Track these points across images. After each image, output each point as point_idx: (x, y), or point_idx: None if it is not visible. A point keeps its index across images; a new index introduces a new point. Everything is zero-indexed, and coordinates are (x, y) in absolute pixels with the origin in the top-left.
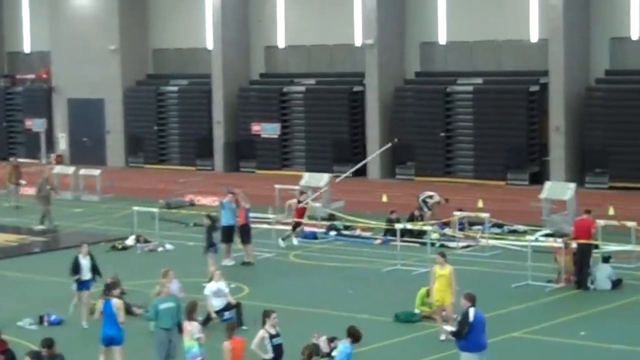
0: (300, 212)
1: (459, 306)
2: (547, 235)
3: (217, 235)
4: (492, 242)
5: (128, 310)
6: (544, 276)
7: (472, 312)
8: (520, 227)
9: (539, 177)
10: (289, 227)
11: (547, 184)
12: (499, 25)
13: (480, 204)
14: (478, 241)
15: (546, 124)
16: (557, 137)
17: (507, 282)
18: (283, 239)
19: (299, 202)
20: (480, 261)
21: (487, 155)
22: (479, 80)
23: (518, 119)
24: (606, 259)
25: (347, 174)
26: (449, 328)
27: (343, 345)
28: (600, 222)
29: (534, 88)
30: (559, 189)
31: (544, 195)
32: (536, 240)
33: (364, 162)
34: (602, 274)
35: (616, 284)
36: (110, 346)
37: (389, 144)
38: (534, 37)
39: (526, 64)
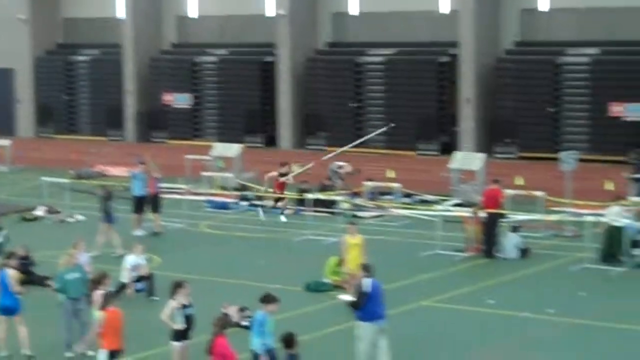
0: (281, 186)
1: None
2: (456, 204)
3: (110, 205)
4: (402, 211)
5: (42, 283)
6: (454, 245)
7: (367, 282)
8: (430, 197)
9: (449, 148)
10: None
11: (457, 154)
12: None
13: (390, 174)
14: (388, 211)
15: (456, 95)
16: (467, 108)
17: (417, 252)
18: (281, 213)
19: (281, 175)
20: (390, 231)
21: (398, 125)
22: (390, 51)
23: (428, 90)
24: (514, 228)
25: (344, 149)
26: (346, 298)
27: (257, 313)
28: (509, 192)
29: (444, 59)
30: (468, 159)
31: (453, 165)
32: (445, 210)
33: (360, 140)
34: (510, 243)
35: (524, 252)
36: (9, 316)
37: (385, 128)
38: (444, 8)
39: (437, 35)
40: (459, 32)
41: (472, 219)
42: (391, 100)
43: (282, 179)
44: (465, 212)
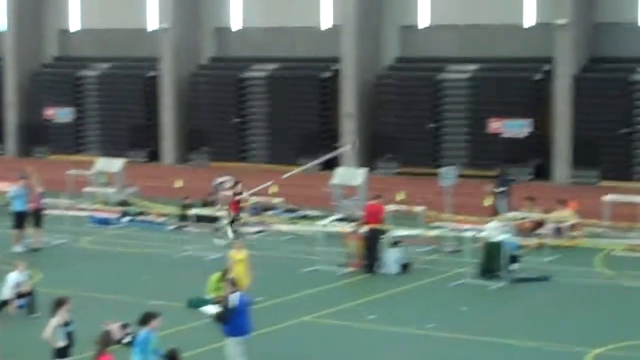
0: (236, 206)
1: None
2: (338, 220)
3: None
4: (284, 227)
5: None
6: (335, 260)
7: (235, 296)
8: (313, 212)
9: (331, 163)
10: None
11: (338, 170)
12: (293, 11)
13: (273, 189)
14: (271, 226)
15: (338, 110)
16: (349, 123)
17: (299, 267)
18: (232, 231)
19: (235, 194)
20: (272, 246)
21: (280, 140)
22: (273, 67)
23: (311, 105)
24: (394, 244)
25: (306, 167)
26: (212, 311)
27: (140, 331)
28: (390, 207)
29: (326, 75)
30: (349, 174)
31: (335, 180)
32: (327, 225)
33: (326, 157)
34: (390, 258)
35: (405, 268)
36: None
37: (349, 145)
38: (326, 24)
39: (319, 51)
40: (340, 48)
41: (354, 234)
42: (274, 116)
43: (237, 198)
44: (347, 228)
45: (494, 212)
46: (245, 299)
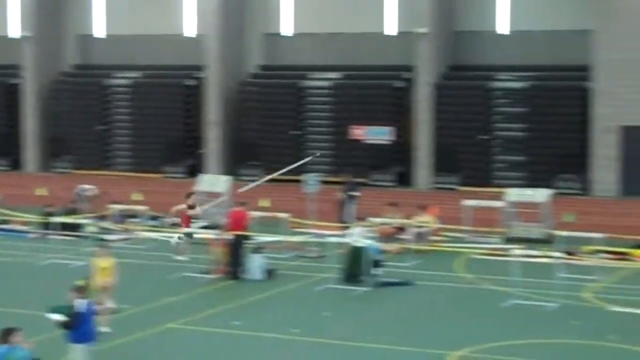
0: (188, 220)
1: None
2: (202, 227)
3: None
4: (148, 234)
5: None
6: (200, 267)
7: (81, 303)
8: (177, 220)
9: (195, 170)
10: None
11: (203, 177)
12: (158, 19)
13: (137, 196)
14: (135, 234)
15: (202, 118)
16: (213, 131)
17: (164, 274)
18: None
19: (189, 207)
20: (137, 253)
21: (145, 148)
22: (137, 74)
23: (175, 113)
24: (257, 250)
25: (261, 181)
26: (58, 318)
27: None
28: (255, 214)
29: (190, 82)
30: (214, 181)
31: (199, 187)
32: (192, 232)
33: (287, 169)
34: (255, 264)
35: (269, 274)
36: None
37: (310, 157)
38: (190, 32)
39: (183, 58)
40: (204, 56)
41: (218, 241)
42: (138, 123)
43: (190, 212)
44: (211, 234)
45: (340, 217)
46: (92, 307)
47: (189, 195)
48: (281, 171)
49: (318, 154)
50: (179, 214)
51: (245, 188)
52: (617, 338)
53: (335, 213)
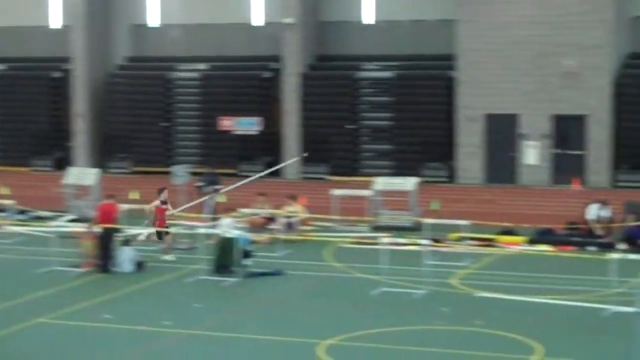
0: (162, 214)
1: None
2: (72, 220)
3: None
4: (16, 228)
5: None
6: (70, 261)
7: None
8: (46, 213)
9: (64, 163)
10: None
11: (71, 170)
12: (24, 11)
13: (4, 190)
14: (2, 228)
15: (70, 110)
16: (81, 123)
17: (33, 269)
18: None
19: (163, 202)
20: (4, 248)
21: (11, 141)
22: (4, 67)
23: (42, 105)
24: (128, 242)
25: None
26: None
27: None
28: (124, 206)
29: (57, 74)
30: (82, 174)
31: (68, 181)
32: (61, 225)
33: (274, 168)
34: (124, 257)
35: (139, 266)
36: None
37: (298, 157)
38: (56, 24)
39: (50, 50)
40: (70, 48)
41: (87, 234)
42: (4, 116)
43: (163, 207)
44: (80, 228)
45: (200, 208)
46: None
47: (160, 190)
48: (272, 169)
49: (306, 154)
50: (152, 212)
51: (238, 184)
52: (483, 323)
53: (200, 205)
